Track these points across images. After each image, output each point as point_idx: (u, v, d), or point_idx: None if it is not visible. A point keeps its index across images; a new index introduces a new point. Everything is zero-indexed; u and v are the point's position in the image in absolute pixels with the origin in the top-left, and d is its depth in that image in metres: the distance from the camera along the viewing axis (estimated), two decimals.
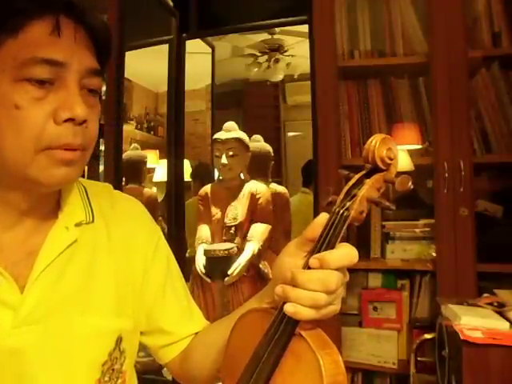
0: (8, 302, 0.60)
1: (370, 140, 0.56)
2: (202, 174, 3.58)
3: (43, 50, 0.56)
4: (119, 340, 0.68)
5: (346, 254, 0.55)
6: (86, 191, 0.71)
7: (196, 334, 0.80)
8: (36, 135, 0.56)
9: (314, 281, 0.53)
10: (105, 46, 0.63)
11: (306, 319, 0.54)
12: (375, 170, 0.58)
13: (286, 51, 4.02)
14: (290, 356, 0.56)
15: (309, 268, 0.54)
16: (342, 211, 0.56)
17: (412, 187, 0.56)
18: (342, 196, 0.57)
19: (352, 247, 0.56)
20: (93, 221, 0.69)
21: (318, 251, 0.55)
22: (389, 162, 0.57)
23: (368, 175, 0.58)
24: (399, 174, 0.58)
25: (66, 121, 0.56)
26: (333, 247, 0.55)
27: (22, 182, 0.59)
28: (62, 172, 0.58)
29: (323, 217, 0.57)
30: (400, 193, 0.60)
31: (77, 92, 0.58)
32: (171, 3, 2.64)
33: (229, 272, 2.41)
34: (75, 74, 0.58)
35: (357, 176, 0.59)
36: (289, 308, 0.53)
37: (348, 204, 0.56)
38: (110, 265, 0.70)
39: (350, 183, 0.58)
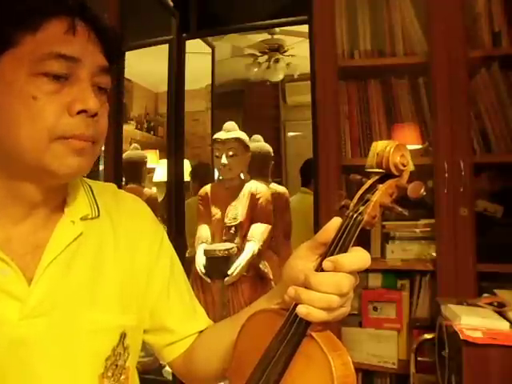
0: (15, 293, 0.61)
1: (384, 146, 0.58)
2: (201, 174, 3.58)
3: (59, 46, 0.59)
4: (123, 336, 0.69)
5: (359, 257, 0.56)
6: (91, 189, 0.73)
7: (200, 332, 0.80)
8: (51, 125, 0.58)
9: (327, 283, 0.54)
10: (114, 48, 0.67)
11: (318, 321, 0.55)
12: (388, 175, 0.59)
13: (285, 51, 4.02)
14: (300, 357, 0.56)
15: (322, 270, 0.55)
16: (355, 215, 0.57)
17: (424, 194, 0.57)
18: (355, 200, 0.59)
19: (365, 251, 0.57)
20: (98, 215, 0.70)
21: (331, 254, 0.56)
22: (402, 168, 0.58)
23: (381, 181, 0.60)
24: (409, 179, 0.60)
25: (79, 113, 0.59)
26: (346, 251, 0.56)
27: (35, 172, 0.61)
28: (75, 161, 0.60)
29: (336, 221, 0.59)
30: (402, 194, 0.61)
31: (89, 86, 0.61)
32: (171, 3, 2.63)
33: (229, 272, 2.41)
34: (88, 70, 0.61)
35: (370, 181, 0.60)
36: (302, 309, 0.54)
37: (361, 209, 0.58)
38: (115, 261, 0.71)
39: (364, 188, 0.60)
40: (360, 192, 0.59)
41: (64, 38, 0.60)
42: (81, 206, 0.69)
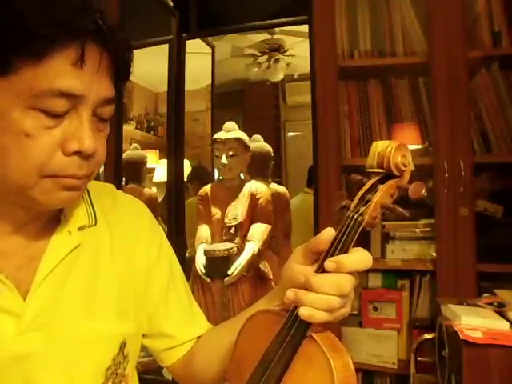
0: (10, 309, 0.59)
1: (386, 146, 0.57)
2: (199, 176, 3.58)
3: (63, 81, 0.53)
4: (123, 345, 0.68)
5: (361, 258, 0.56)
6: (88, 193, 0.70)
7: (199, 337, 0.79)
8: (42, 163, 0.55)
9: (328, 284, 0.54)
10: (125, 67, 0.62)
11: (320, 322, 0.55)
12: (389, 176, 0.59)
13: (285, 51, 4.02)
14: (301, 358, 0.56)
15: (322, 271, 0.55)
16: (356, 216, 0.57)
17: (425, 194, 0.56)
18: (356, 201, 0.58)
19: (366, 251, 0.57)
20: (95, 224, 0.68)
21: (332, 255, 0.56)
22: (403, 168, 0.58)
23: (381, 181, 0.59)
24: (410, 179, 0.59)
25: (74, 152, 0.56)
26: (346, 251, 0.56)
27: (22, 200, 0.59)
28: (65, 196, 0.58)
29: (329, 232, 0.58)
30: (402, 194, 0.60)
31: (88, 125, 0.56)
32: (171, 3, 2.64)
33: (229, 272, 2.41)
34: (90, 104, 0.56)
35: (370, 182, 0.60)
36: (304, 311, 0.54)
37: (362, 209, 0.57)
38: (112, 267, 0.69)
39: (364, 188, 0.59)
40: (361, 192, 0.59)
41: (70, 72, 0.53)
42: (78, 215, 0.66)
